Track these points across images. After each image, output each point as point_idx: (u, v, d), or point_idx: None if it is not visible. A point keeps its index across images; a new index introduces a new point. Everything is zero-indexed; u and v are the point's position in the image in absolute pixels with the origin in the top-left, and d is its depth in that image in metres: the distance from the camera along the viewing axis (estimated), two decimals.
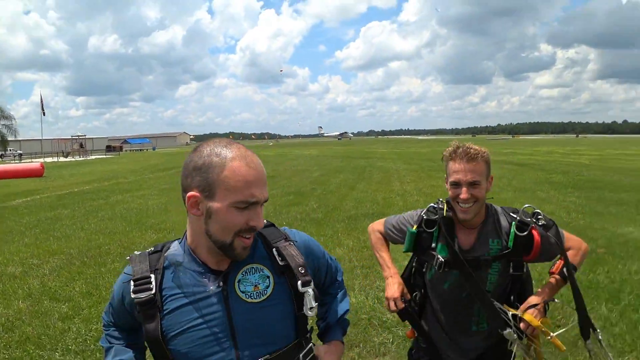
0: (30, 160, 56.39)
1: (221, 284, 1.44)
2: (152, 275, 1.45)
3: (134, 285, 1.44)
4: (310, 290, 1.50)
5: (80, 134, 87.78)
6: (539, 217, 2.24)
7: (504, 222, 2.29)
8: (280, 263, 1.51)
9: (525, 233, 2.19)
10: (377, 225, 2.62)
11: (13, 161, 60.06)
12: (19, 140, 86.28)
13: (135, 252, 1.55)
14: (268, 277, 1.49)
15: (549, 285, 2.26)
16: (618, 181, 18.54)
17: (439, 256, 2.28)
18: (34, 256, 8.55)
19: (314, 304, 1.50)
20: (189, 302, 1.42)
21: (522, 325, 2.14)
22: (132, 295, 1.43)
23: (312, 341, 1.62)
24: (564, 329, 2.25)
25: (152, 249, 1.54)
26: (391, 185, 18.38)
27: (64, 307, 5.91)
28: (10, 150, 75.52)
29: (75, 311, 5.76)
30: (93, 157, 67.80)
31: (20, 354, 4.67)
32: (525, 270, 2.32)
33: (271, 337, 1.46)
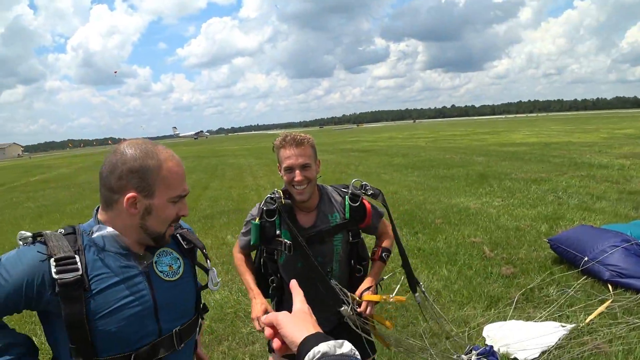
0: None
1: (141, 265, 1.54)
2: (77, 256, 1.42)
3: (57, 265, 1.38)
4: (214, 269, 1.80)
5: None
6: (367, 187, 2.56)
7: (337, 197, 2.57)
8: (185, 246, 1.72)
9: (358, 203, 2.51)
10: (235, 246, 2.75)
11: None
12: None
13: (47, 231, 1.49)
14: (178, 258, 1.67)
15: (374, 269, 2.65)
16: (450, 159, 20.64)
17: (285, 241, 2.46)
18: None
19: (218, 280, 1.80)
20: (117, 282, 1.47)
21: (362, 305, 2.45)
22: (56, 276, 1.37)
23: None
24: (396, 290, 2.67)
25: (63, 230, 1.51)
26: (244, 181, 18.52)
27: None
28: None
29: None
30: None
31: None
32: (360, 237, 2.61)
33: (183, 311, 1.65)
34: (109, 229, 1.51)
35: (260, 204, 2.54)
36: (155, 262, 1.59)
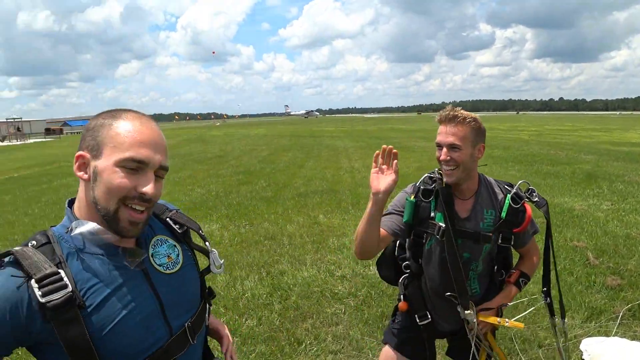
0: None
1: (138, 261, 1.32)
2: (61, 270, 1.18)
3: (40, 288, 1.14)
4: (214, 250, 1.56)
5: (16, 117, 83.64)
6: (534, 194, 2.36)
7: (498, 193, 2.37)
8: (179, 230, 1.50)
9: (519, 206, 2.30)
10: None
11: None
12: None
13: (16, 248, 1.21)
14: (175, 245, 1.46)
15: (504, 292, 2.44)
16: (555, 155, 19.40)
17: (440, 224, 2.31)
18: None
19: (221, 261, 1.56)
20: (114, 290, 1.26)
21: (470, 325, 2.35)
22: (42, 299, 1.13)
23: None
24: (518, 317, 2.53)
25: (34, 242, 1.23)
26: (339, 162, 18.58)
27: None
28: None
29: None
30: (31, 140, 64.78)
31: None
32: (511, 242, 2.38)
33: (190, 303, 1.46)
34: (90, 224, 1.25)
35: (415, 183, 2.41)
36: (152, 255, 1.38)
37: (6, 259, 1.19)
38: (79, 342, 1.17)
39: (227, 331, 1.74)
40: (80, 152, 1.26)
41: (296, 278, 5.79)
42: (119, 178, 1.22)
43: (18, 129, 72.08)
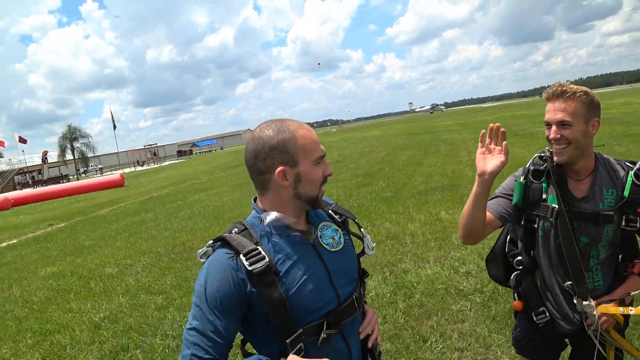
0: (110, 172, 59.71)
1: (311, 238, 1.69)
2: (259, 247, 1.57)
3: (247, 259, 1.53)
4: (367, 235, 1.88)
5: (151, 143, 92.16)
6: None
7: (619, 170, 2.20)
8: (339, 219, 1.83)
9: None
10: None
11: (95, 175, 63.85)
12: (98, 156, 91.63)
13: (224, 234, 1.61)
14: (337, 230, 1.78)
15: (627, 283, 2.24)
16: None
17: (553, 205, 2.18)
18: (127, 257, 9.25)
19: (373, 245, 1.89)
20: (296, 261, 1.61)
21: (590, 319, 2.16)
22: (249, 267, 1.51)
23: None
24: None
25: (235, 229, 1.64)
26: (459, 156, 18.05)
27: (158, 299, 6.40)
28: (92, 165, 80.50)
29: (169, 301, 6.23)
30: (166, 163, 70.83)
31: (126, 340, 5.16)
32: (638, 225, 2.17)
33: (351, 276, 1.77)
34: (274, 213, 1.63)
35: (526, 166, 2.29)
36: (320, 236, 1.71)
37: (219, 243, 1.61)
38: (277, 299, 1.53)
39: (371, 311, 1.92)
40: (280, 168, 1.59)
41: (420, 276, 5.75)
42: (316, 172, 1.64)
43: (154, 154, 79.19)
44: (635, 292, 2.20)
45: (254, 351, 1.70)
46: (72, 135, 68.00)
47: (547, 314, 2.33)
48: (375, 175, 15.83)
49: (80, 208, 21.04)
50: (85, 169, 77.21)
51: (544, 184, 2.21)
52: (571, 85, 2.10)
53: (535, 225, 2.26)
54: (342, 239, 1.77)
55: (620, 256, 2.28)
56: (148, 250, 9.52)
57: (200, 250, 1.62)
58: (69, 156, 69.61)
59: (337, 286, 1.69)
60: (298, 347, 1.57)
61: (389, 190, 12.45)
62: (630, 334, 3.72)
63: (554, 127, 2.10)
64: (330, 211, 1.85)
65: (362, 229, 1.88)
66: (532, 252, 2.33)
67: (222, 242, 1.60)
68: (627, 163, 2.21)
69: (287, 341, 1.56)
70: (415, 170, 15.67)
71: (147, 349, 4.87)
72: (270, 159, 1.59)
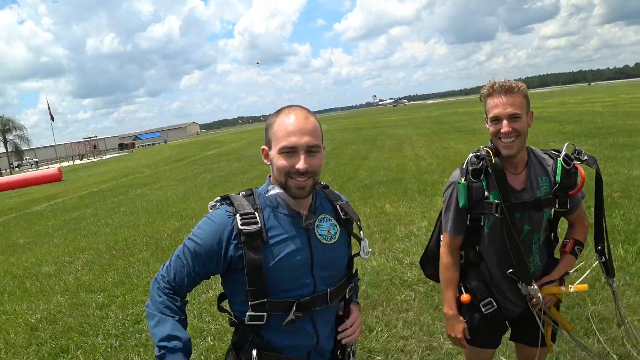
0: (47, 166, 57.17)
1: (308, 223, 1.78)
2: (256, 213, 1.70)
3: (241, 219, 1.67)
4: (366, 239, 1.93)
5: (91, 136, 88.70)
6: (582, 153, 2.31)
7: (547, 159, 2.35)
8: (343, 217, 1.89)
9: (571, 167, 2.27)
10: (443, 245, 2.53)
11: (30, 169, 60.97)
12: (33, 149, 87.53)
13: (231, 194, 1.80)
14: (335, 225, 1.86)
15: (562, 263, 2.42)
16: (632, 125, 18.32)
17: (495, 201, 2.26)
18: (65, 254, 8.89)
19: (370, 250, 1.93)
20: (285, 238, 1.73)
21: (535, 300, 2.31)
22: (241, 227, 1.66)
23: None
24: (580, 280, 2.50)
25: (242, 192, 1.81)
26: (403, 151, 18.51)
27: (99, 297, 6.20)
28: (26, 159, 76.75)
29: (111, 299, 6.05)
30: (107, 156, 68.49)
31: (66, 342, 4.96)
32: (567, 206, 2.34)
33: (335, 271, 1.86)
34: (278, 189, 1.76)
35: (462, 165, 2.36)
36: (317, 226, 1.80)
37: (226, 201, 1.78)
38: (256, 264, 1.66)
39: (356, 314, 2.00)
40: (263, 147, 1.80)
41: (365, 268, 5.85)
42: (282, 161, 1.69)
43: (95, 147, 76.36)
44: (572, 270, 2.39)
45: (228, 308, 1.86)
46: (4, 127, 64.55)
47: (494, 304, 2.45)
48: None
49: (14, 204, 20.02)
50: (20, 162, 73.57)
51: (483, 182, 2.29)
52: (511, 81, 2.20)
53: (482, 223, 2.35)
54: (337, 235, 1.85)
55: (552, 235, 2.45)
56: (88, 247, 9.20)
57: (211, 202, 1.81)
58: (1, 149, 66.30)
59: (317, 276, 1.78)
60: (260, 314, 1.71)
61: (334, 183, 12.55)
62: (579, 313, 3.99)
63: (505, 122, 2.17)
64: (338, 206, 1.91)
65: (361, 232, 1.92)
66: (477, 247, 2.43)
67: (228, 200, 1.77)
68: (552, 151, 2.37)
69: (250, 303, 1.69)
70: (361, 164, 15.93)
71: (88, 350, 4.72)
72: (265, 136, 1.79)
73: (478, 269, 2.48)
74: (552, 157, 2.34)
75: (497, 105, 2.19)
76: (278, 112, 1.77)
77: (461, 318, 2.51)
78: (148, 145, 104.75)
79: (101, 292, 6.39)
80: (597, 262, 2.50)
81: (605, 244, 2.48)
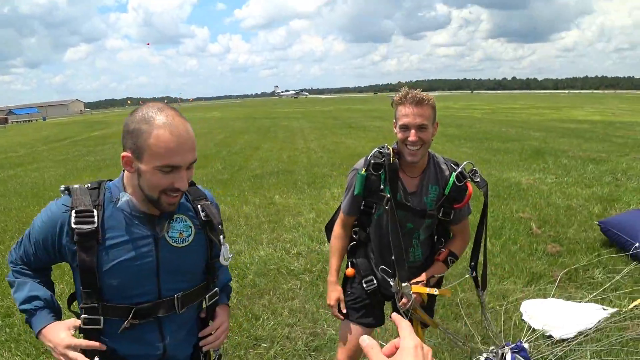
0: None
1: (154, 228, 1.64)
2: (95, 211, 1.57)
3: (76, 216, 1.54)
4: (226, 244, 1.78)
5: None
6: (476, 174, 2.48)
7: (445, 169, 2.52)
8: (203, 218, 1.75)
9: (462, 184, 2.44)
10: (338, 222, 2.73)
11: None
12: None
13: (74, 185, 1.64)
14: (190, 227, 1.72)
15: (433, 268, 2.62)
16: (505, 132, 20.13)
17: (388, 195, 2.43)
18: None
19: (230, 255, 1.79)
20: (126, 241, 1.59)
21: (404, 299, 2.49)
22: (73, 226, 1.53)
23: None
24: (448, 286, 2.85)
25: (90, 185, 1.65)
26: (295, 143, 18.73)
27: None
28: None
29: None
30: None
31: None
32: (451, 217, 2.55)
33: (187, 277, 1.73)
34: (127, 196, 1.62)
35: (366, 157, 2.50)
36: (167, 227, 1.67)
37: (67, 192, 1.62)
38: (88, 265, 1.55)
39: (222, 319, 1.89)
40: (125, 153, 1.54)
41: (253, 257, 5.91)
42: (158, 179, 1.53)
43: None
44: (439, 275, 2.63)
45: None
46: None
47: (375, 282, 2.66)
48: (212, 157, 15.65)
49: None
50: None
51: (382, 176, 2.45)
52: (422, 93, 2.34)
53: (373, 211, 2.56)
54: (191, 237, 1.71)
55: (435, 237, 2.70)
56: None
57: (61, 186, 1.66)
58: None
59: (163, 280, 1.66)
60: (94, 318, 1.60)
61: (225, 172, 12.46)
62: (450, 300, 4.28)
63: (413, 131, 2.31)
64: (199, 206, 1.77)
65: (222, 237, 1.78)
66: (367, 228, 2.64)
67: (68, 192, 1.63)
68: (452, 164, 2.54)
69: (82, 306, 1.60)
70: (253, 154, 15.89)
71: None
72: (125, 140, 1.55)
73: (365, 249, 2.69)
74: (449, 170, 2.51)
75: (408, 114, 2.32)
76: (149, 117, 1.51)
77: (339, 287, 2.69)
78: (24, 121, 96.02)
79: None
80: (467, 275, 2.80)
81: (483, 261, 2.75)
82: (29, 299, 1.64)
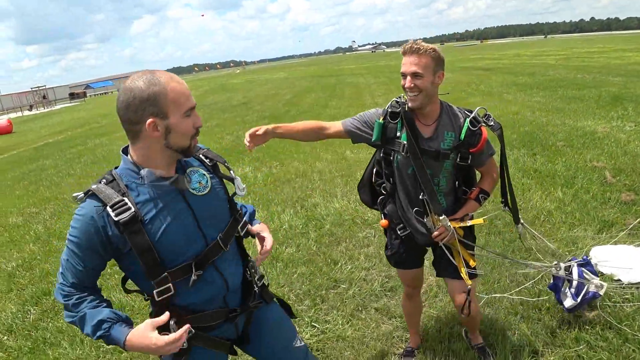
0: None
1: (177, 187, 1.82)
2: (125, 198, 1.72)
3: (113, 210, 1.68)
4: (238, 177, 2.05)
5: (40, 85, 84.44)
6: (490, 118, 2.64)
7: (459, 116, 2.66)
8: (209, 164, 2.00)
9: (476, 128, 2.60)
10: (335, 123, 2.86)
11: None
12: None
13: (92, 187, 1.75)
14: (204, 174, 1.94)
15: (466, 206, 2.79)
16: (581, 79, 18.95)
17: (403, 142, 2.62)
18: (31, 205, 8.93)
19: (244, 186, 2.06)
20: (162, 208, 1.78)
21: (437, 231, 2.69)
22: (116, 218, 1.68)
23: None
24: (479, 219, 2.87)
25: (104, 180, 1.79)
26: (363, 99, 18.78)
27: None
28: None
29: None
30: (58, 106, 65.72)
31: (46, 285, 5.21)
32: (469, 161, 2.68)
33: (220, 218, 1.97)
34: (146, 170, 1.77)
35: (386, 107, 2.71)
36: (188, 182, 1.87)
37: (89, 194, 1.75)
38: (144, 245, 1.73)
39: (267, 233, 2.21)
40: (149, 120, 1.70)
41: (328, 209, 6.32)
42: (187, 124, 1.77)
43: (44, 97, 72.94)
44: (473, 212, 2.82)
45: (135, 287, 1.96)
46: None
47: (408, 228, 2.85)
48: (282, 117, 16.09)
49: None
50: None
51: (398, 124, 2.67)
52: (423, 43, 2.52)
53: (391, 158, 2.75)
54: (209, 183, 1.93)
55: (457, 183, 2.81)
56: (53, 198, 9.26)
57: (75, 193, 1.77)
58: None
59: (204, 227, 1.88)
60: (166, 287, 1.79)
61: None
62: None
63: (408, 78, 2.51)
64: (201, 156, 1.99)
65: (232, 171, 2.03)
66: (391, 179, 2.82)
67: (92, 194, 1.74)
68: (465, 111, 2.69)
69: (153, 282, 1.78)
70: (321, 112, 16.12)
71: None
72: (141, 111, 1.69)
73: (393, 199, 2.86)
74: (463, 116, 2.66)
75: (405, 63, 2.53)
76: (153, 81, 1.70)
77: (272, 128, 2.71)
78: (100, 94, 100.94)
79: None
80: (497, 211, 3.05)
81: (509, 197, 2.94)
82: (97, 326, 1.74)
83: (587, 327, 3.42)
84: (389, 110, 2.67)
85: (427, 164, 2.64)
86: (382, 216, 2.96)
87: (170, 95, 1.70)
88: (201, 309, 1.93)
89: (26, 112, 60.25)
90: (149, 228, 1.74)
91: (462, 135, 2.61)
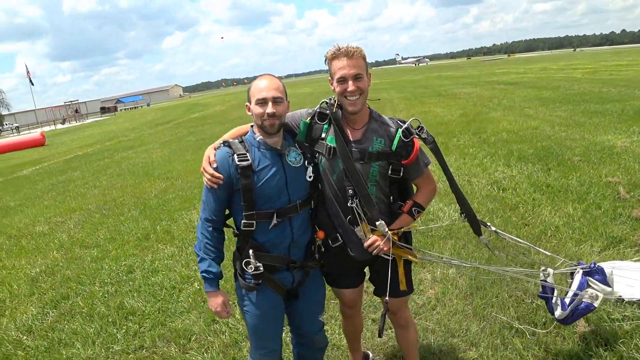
0: (28, 131, 56.41)
1: (279, 156, 2.55)
2: (247, 153, 2.47)
3: (238, 158, 2.45)
4: (309, 166, 2.63)
5: (72, 99, 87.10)
6: (423, 130, 2.59)
7: (390, 125, 2.61)
8: (302, 150, 2.65)
9: (408, 140, 2.52)
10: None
11: (12, 135, 60.19)
12: (13, 114, 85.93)
13: (230, 140, 2.56)
14: (300, 155, 2.63)
15: (399, 220, 2.67)
16: (606, 93, 18.69)
17: (329, 144, 2.56)
18: (57, 215, 9.33)
19: (312, 174, 2.63)
20: (267, 166, 2.50)
21: (369, 241, 2.56)
22: (238, 163, 2.43)
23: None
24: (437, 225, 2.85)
25: (238, 140, 2.56)
26: (385, 113, 18.44)
27: (93, 252, 6.70)
28: (6, 124, 75.29)
29: (104, 254, 6.56)
30: (89, 120, 67.63)
31: (66, 290, 5.49)
32: (401, 175, 2.61)
33: (302, 187, 2.61)
34: (259, 137, 2.55)
35: (315, 108, 2.65)
36: (287, 155, 2.57)
37: (226, 144, 2.54)
38: (249, 186, 2.45)
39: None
40: (247, 104, 2.56)
41: None
42: (257, 109, 2.48)
43: (76, 111, 75.01)
44: (406, 227, 2.70)
45: (233, 225, 2.64)
46: None
47: (340, 239, 2.69)
48: None
49: None
50: (0, 128, 72.48)
51: (325, 126, 2.61)
52: (352, 45, 2.50)
53: (316, 161, 2.65)
54: (301, 161, 2.61)
55: (391, 198, 2.73)
56: (78, 208, 9.63)
57: (216, 143, 2.59)
58: None
59: (290, 189, 2.54)
60: (251, 222, 2.49)
61: None
62: None
63: (350, 82, 2.46)
64: (296, 144, 2.67)
65: (307, 162, 2.66)
66: (319, 185, 2.69)
67: (227, 144, 2.52)
68: (398, 121, 2.64)
69: (244, 214, 2.48)
70: None
71: (86, 296, 5.23)
72: (247, 97, 2.57)
73: (324, 206, 2.71)
74: (395, 126, 2.60)
75: (343, 67, 2.47)
76: (256, 79, 2.56)
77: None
78: (131, 108, 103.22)
79: (95, 248, 6.89)
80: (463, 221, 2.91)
81: (465, 209, 2.83)
82: (207, 272, 2.56)
83: (581, 343, 3.42)
84: (318, 110, 2.62)
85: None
86: (316, 227, 2.78)
87: (252, 89, 2.51)
88: (269, 249, 2.57)
89: (59, 126, 62.02)
90: (256, 176, 2.45)
91: (394, 146, 2.55)
